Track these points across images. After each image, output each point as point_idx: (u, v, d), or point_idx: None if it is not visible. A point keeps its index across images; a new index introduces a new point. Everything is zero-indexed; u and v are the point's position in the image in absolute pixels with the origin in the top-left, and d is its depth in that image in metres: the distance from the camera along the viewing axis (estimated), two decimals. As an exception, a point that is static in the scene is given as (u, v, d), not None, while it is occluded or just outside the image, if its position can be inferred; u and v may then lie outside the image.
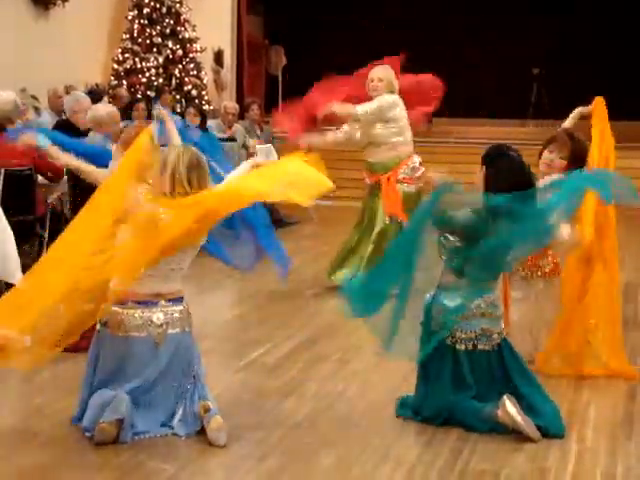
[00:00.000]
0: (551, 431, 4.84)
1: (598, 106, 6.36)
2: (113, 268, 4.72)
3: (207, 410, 4.76)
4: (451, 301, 4.94)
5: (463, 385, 4.96)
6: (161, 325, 4.83)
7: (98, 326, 4.90)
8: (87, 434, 4.70)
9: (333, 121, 8.07)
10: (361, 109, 7.72)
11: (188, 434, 4.78)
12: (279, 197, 4.82)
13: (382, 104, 7.75)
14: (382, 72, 7.84)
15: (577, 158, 6.08)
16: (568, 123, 6.66)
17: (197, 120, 10.84)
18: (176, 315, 4.88)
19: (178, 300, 4.93)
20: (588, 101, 6.49)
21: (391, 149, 7.85)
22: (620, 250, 5.93)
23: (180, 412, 4.84)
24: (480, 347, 4.97)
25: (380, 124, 7.79)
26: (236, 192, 4.84)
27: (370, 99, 7.79)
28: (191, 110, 11.06)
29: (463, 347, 4.96)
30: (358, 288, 5.14)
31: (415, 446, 4.76)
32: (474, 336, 4.96)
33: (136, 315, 4.81)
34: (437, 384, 4.97)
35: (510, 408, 4.79)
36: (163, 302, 4.86)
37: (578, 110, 6.66)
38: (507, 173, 4.99)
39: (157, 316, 4.83)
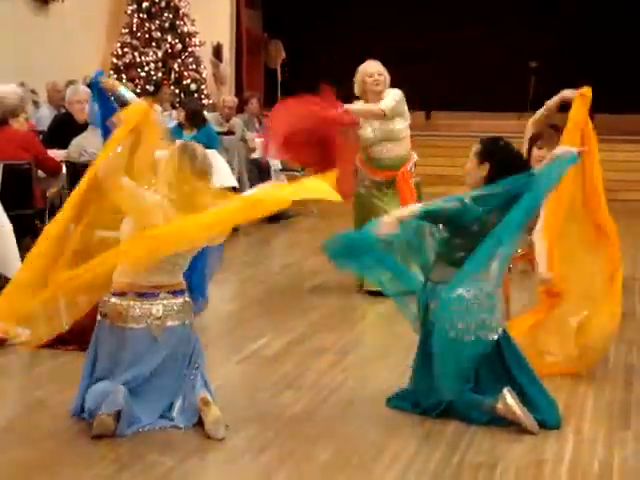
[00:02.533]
0: (548, 423, 4.86)
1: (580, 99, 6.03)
2: (117, 259, 4.76)
3: (206, 403, 4.77)
4: (449, 293, 4.95)
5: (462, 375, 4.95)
6: (160, 317, 4.84)
7: (99, 317, 4.93)
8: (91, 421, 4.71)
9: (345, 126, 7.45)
10: (386, 106, 7.46)
11: (187, 426, 4.80)
12: (302, 196, 4.82)
13: (399, 98, 7.57)
14: (379, 66, 7.65)
15: None
16: (546, 109, 6.26)
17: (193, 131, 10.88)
18: (176, 307, 4.88)
19: (179, 292, 4.93)
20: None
21: (407, 143, 7.72)
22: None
23: (179, 403, 4.86)
24: (482, 338, 4.94)
25: (399, 118, 7.59)
26: (258, 200, 4.83)
27: (366, 98, 7.56)
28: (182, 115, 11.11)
29: (466, 339, 4.93)
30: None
31: (412, 439, 4.77)
32: (474, 327, 4.93)
33: (136, 307, 4.82)
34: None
35: (510, 401, 4.80)
36: (163, 294, 4.86)
37: (560, 95, 6.14)
38: (516, 167, 5.01)
39: (156, 308, 4.83)
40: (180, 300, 4.92)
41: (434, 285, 5.00)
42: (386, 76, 7.62)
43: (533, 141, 6.20)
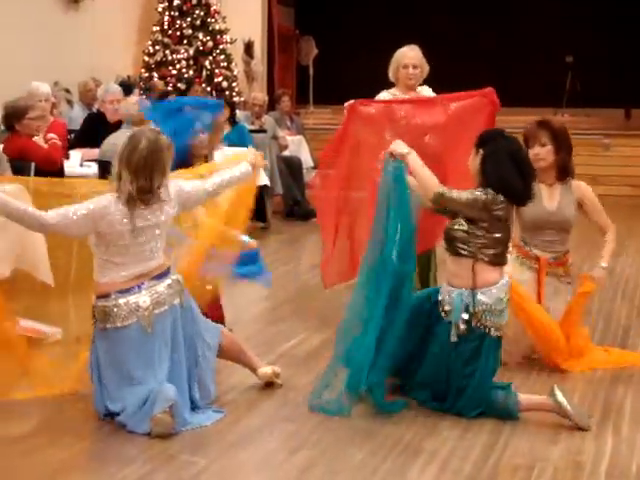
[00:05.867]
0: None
1: None
2: None
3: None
4: (489, 297, 4.92)
5: (494, 374, 5.01)
6: (147, 308, 4.76)
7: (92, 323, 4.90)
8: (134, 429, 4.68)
9: None
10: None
11: (206, 405, 4.90)
12: None
13: None
14: (418, 55, 6.96)
15: (558, 137, 5.97)
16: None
17: (227, 113, 10.81)
18: (162, 291, 4.80)
19: (164, 274, 4.86)
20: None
21: None
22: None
23: (195, 385, 4.89)
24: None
25: None
26: None
27: (410, 87, 6.96)
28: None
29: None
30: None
31: (448, 440, 4.71)
32: (504, 325, 5.01)
33: (122, 304, 4.76)
34: (482, 377, 4.92)
35: (561, 399, 4.79)
36: (147, 282, 4.80)
37: None
38: (506, 153, 4.99)
39: (143, 299, 4.76)
40: (167, 282, 4.84)
41: (475, 291, 4.94)
42: (423, 67, 6.97)
43: (525, 144, 6.07)
